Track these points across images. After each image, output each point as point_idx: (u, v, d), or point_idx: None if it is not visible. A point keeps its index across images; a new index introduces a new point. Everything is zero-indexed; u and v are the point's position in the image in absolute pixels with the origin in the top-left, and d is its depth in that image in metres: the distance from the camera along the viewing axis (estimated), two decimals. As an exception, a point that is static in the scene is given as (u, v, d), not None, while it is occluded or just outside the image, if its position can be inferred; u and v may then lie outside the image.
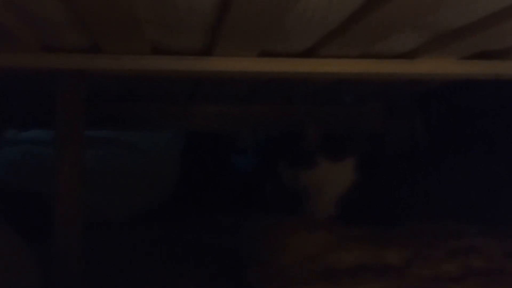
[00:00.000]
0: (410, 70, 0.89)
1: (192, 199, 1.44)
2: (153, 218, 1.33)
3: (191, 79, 1.06)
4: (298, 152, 1.10)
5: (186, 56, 0.84)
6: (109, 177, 1.32)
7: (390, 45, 0.82)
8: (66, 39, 0.78)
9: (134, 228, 1.25)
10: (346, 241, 0.86)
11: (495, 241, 0.84)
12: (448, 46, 0.81)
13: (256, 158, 1.56)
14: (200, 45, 0.81)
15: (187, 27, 0.72)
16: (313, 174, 1.08)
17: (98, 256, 0.94)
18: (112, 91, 1.22)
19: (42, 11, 0.66)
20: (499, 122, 1.16)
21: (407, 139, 1.39)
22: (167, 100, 1.34)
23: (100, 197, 1.28)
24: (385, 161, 1.16)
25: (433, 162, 1.07)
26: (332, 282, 0.73)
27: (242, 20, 0.65)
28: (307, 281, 0.76)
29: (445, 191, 1.02)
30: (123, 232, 1.20)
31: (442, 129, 1.33)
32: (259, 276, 0.83)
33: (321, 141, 1.09)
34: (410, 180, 1.05)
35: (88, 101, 0.86)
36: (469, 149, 1.14)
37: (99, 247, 0.99)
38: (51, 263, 0.82)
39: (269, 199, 1.29)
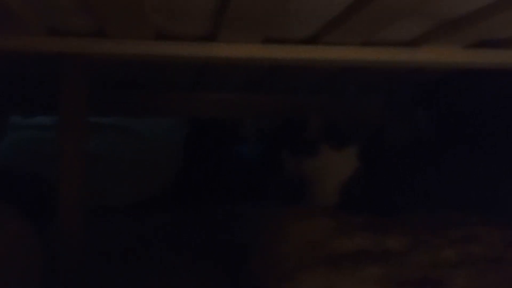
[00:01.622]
0: (414, 58, 0.89)
1: (195, 187, 1.44)
2: (154, 205, 1.33)
3: (195, 66, 1.06)
4: (301, 140, 1.10)
5: (190, 42, 0.84)
6: (111, 163, 1.33)
7: (393, 32, 0.82)
8: (71, 23, 0.78)
9: (135, 215, 1.25)
10: (348, 228, 0.86)
11: (496, 230, 0.85)
12: (452, 34, 0.81)
13: (259, 147, 1.56)
14: (204, 30, 0.81)
15: (191, 12, 0.72)
16: (315, 162, 1.08)
17: (99, 242, 0.95)
18: (116, 77, 1.22)
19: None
20: (503, 113, 1.16)
21: (409, 130, 1.39)
22: (171, 87, 1.34)
23: (102, 183, 1.28)
24: (388, 150, 1.16)
25: (435, 152, 1.07)
26: (333, 267, 0.74)
27: (246, 5, 0.65)
28: (309, 267, 0.77)
29: (447, 181, 1.02)
30: (124, 219, 1.21)
31: (444, 120, 1.33)
32: (261, 263, 0.84)
33: (324, 129, 1.09)
34: (412, 170, 1.05)
35: (92, 87, 0.87)
36: (472, 139, 1.14)
37: (101, 233, 0.99)
38: (55, 248, 0.83)
39: (272, 187, 1.29)
